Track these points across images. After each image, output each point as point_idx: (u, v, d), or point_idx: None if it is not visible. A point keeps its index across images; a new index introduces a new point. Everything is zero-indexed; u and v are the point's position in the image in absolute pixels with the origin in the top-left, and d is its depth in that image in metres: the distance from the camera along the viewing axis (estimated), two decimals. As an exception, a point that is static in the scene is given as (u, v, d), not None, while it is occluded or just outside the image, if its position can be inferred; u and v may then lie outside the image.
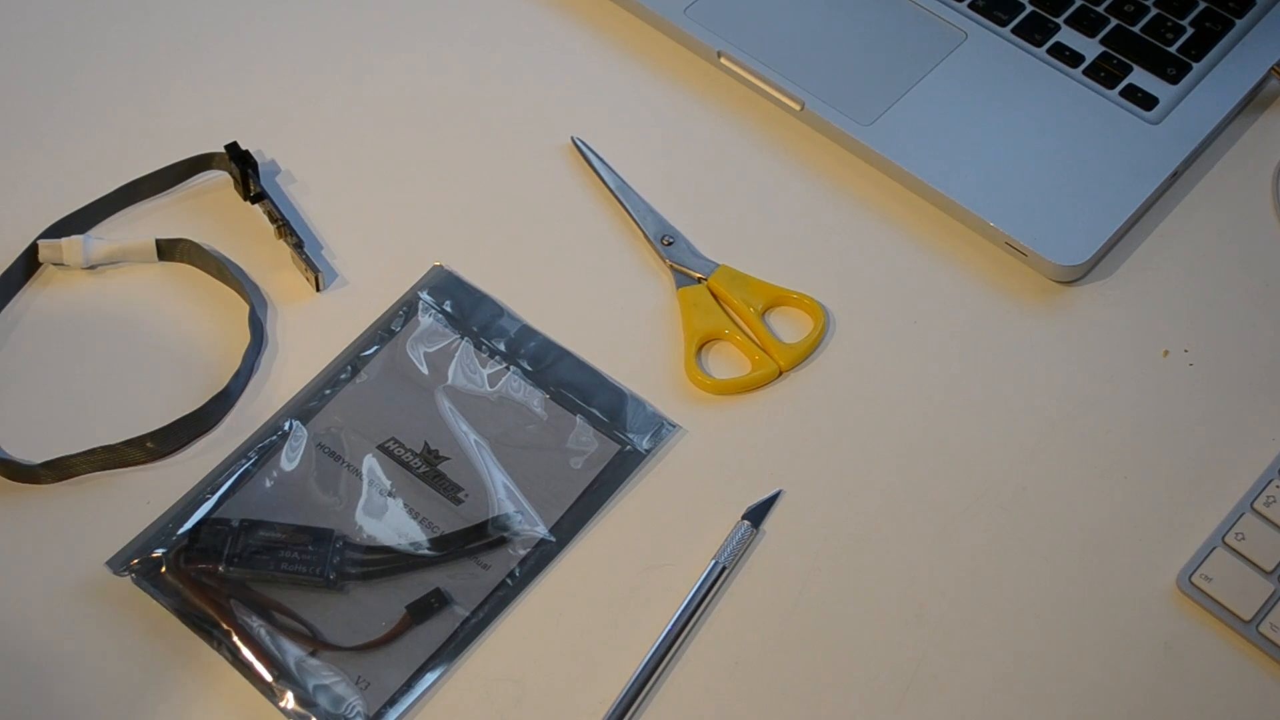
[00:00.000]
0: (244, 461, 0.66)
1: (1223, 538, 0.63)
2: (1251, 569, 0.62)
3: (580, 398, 0.68)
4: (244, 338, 0.70)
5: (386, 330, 0.70)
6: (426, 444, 0.67)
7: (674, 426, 0.67)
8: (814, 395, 0.69)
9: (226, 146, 0.74)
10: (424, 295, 0.71)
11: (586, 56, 0.81)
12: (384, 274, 0.73)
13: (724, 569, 0.63)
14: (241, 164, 0.74)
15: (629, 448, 0.67)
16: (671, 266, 0.72)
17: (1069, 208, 0.72)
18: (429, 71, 0.80)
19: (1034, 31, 0.78)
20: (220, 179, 0.77)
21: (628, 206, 0.74)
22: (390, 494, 0.65)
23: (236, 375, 0.68)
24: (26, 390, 0.69)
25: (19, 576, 0.64)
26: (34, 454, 0.67)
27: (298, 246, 0.72)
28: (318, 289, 0.72)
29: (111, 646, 0.62)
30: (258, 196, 0.74)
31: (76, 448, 0.67)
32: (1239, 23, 0.78)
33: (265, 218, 0.74)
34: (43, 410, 0.69)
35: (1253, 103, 0.77)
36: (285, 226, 0.73)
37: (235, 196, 0.76)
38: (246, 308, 0.71)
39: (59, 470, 0.66)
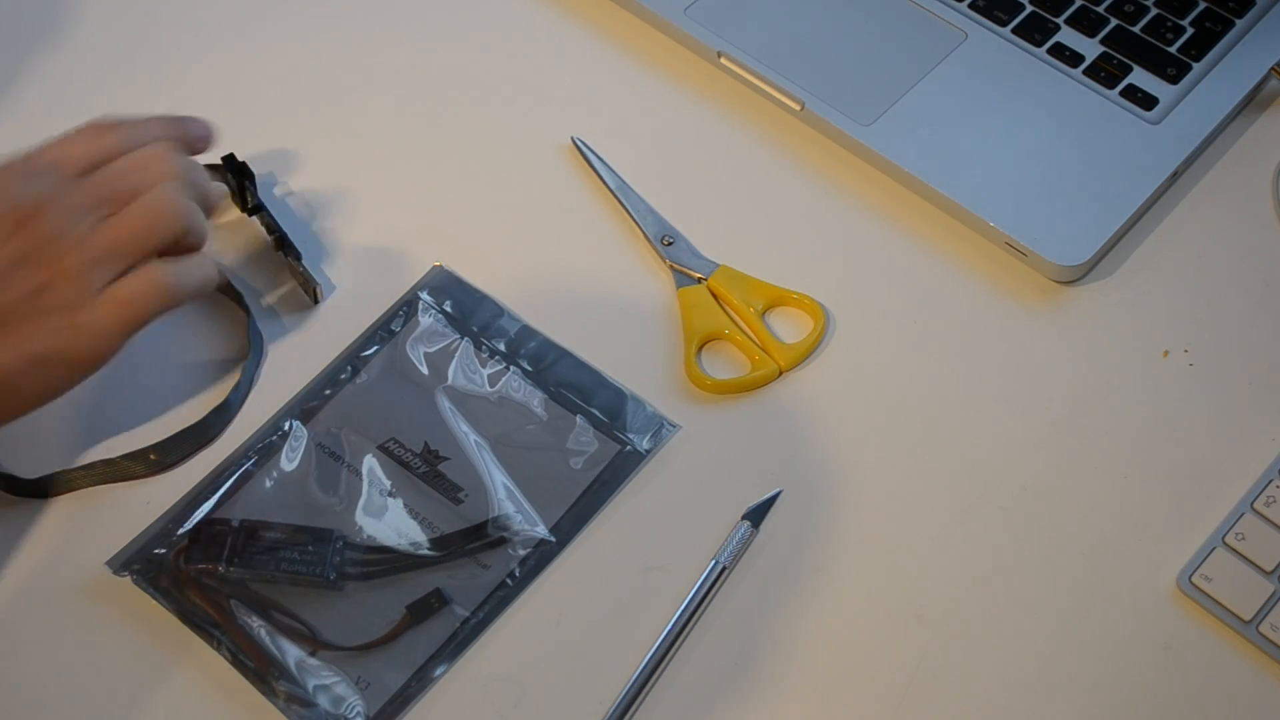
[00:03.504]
0: (244, 462, 0.66)
1: (1223, 538, 0.63)
2: (1251, 569, 0.62)
3: (580, 398, 0.68)
4: (243, 349, 0.70)
5: (386, 330, 0.70)
6: (426, 444, 0.67)
7: (674, 426, 0.67)
8: (814, 395, 0.69)
9: (223, 158, 0.73)
10: (424, 295, 0.71)
11: (586, 56, 0.81)
12: (384, 273, 0.73)
13: (724, 569, 0.63)
14: (239, 175, 0.73)
15: (629, 448, 0.67)
16: (671, 266, 0.72)
17: (1069, 208, 0.72)
18: (428, 72, 0.80)
19: (1034, 31, 0.78)
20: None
21: (628, 206, 0.74)
22: (390, 494, 0.65)
23: (237, 387, 0.68)
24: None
25: (19, 577, 0.64)
26: (34, 467, 0.66)
27: (296, 259, 0.72)
28: (315, 301, 0.72)
29: (111, 646, 0.62)
30: (255, 209, 0.74)
31: (76, 460, 0.67)
32: (1239, 23, 0.78)
33: (263, 230, 0.74)
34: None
35: (1253, 103, 0.77)
36: (283, 239, 0.72)
37: (233, 208, 0.75)
38: (246, 318, 0.71)
39: (60, 485, 0.66)
